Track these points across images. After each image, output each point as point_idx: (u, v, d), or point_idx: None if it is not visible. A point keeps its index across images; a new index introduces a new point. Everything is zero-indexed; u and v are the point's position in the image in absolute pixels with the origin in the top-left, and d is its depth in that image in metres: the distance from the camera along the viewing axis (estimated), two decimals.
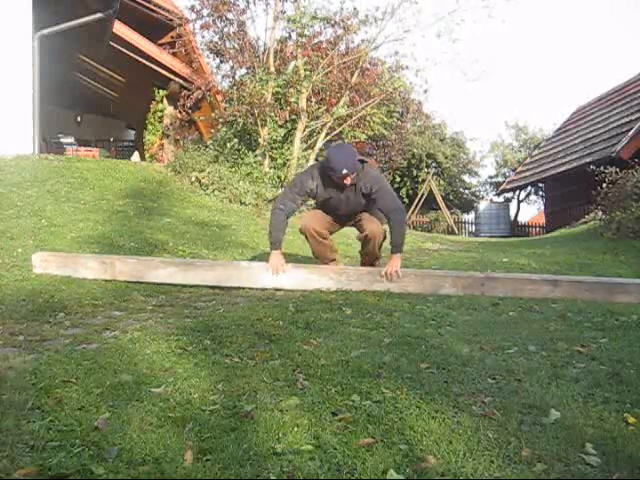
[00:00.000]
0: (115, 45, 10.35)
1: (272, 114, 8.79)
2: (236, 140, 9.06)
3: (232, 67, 9.62)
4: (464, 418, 1.67)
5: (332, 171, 3.60)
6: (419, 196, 17.76)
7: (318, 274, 3.76)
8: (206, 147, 9.80)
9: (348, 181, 3.62)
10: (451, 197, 21.40)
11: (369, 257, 4.04)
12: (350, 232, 7.23)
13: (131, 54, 10.45)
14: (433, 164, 20.54)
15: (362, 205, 3.83)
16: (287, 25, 9.08)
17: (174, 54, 10.44)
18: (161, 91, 11.32)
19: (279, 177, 8.73)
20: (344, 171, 3.54)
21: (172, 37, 10.31)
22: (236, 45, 9.28)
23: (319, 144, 9.18)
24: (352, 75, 9.37)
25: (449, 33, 8.88)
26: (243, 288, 3.77)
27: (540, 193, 21.09)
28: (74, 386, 1.83)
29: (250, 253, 5.37)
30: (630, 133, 11.48)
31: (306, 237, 3.98)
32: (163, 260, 4.09)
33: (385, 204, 3.69)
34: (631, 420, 1.66)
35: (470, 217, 20.97)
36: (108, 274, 3.82)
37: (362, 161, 3.76)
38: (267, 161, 8.89)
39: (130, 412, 1.66)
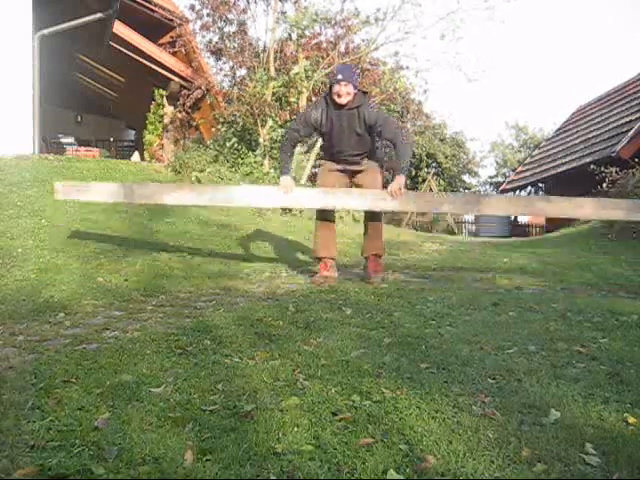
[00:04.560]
0: (115, 45, 10.35)
1: (272, 114, 8.79)
2: (235, 139, 9.06)
3: (232, 67, 9.64)
4: (464, 418, 1.67)
5: (332, 79, 3.93)
6: None
7: (324, 193, 3.97)
8: (206, 147, 9.80)
9: (342, 93, 3.80)
10: None
11: (372, 244, 4.12)
12: (350, 231, 7.23)
13: (131, 54, 10.45)
14: (433, 164, 20.57)
15: (364, 138, 3.98)
16: (288, 27, 9.09)
17: (174, 54, 10.44)
18: (161, 91, 11.32)
19: (279, 177, 8.72)
20: (339, 76, 3.82)
21: (172, 37, 10.32)
22: (236, 45, 9.28)
23: (319, 144, 9.18)
24: None
25: (452, 32, 8.90)
26: (261, 210, 4.02)
27: (540, 193, 21.10)
28: (74, 386, 1.83)
29: (250, 253, 5.37)
30: (630, 133, 11.47)
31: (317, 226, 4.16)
32: (179, 184, 4.41)
33: (391, 135, 3.90)
34: (631, 420, 1.66)
35: (470, 217, 20.98)
36: (127, 198, 4.09)
37: (364, 92, 4.10)
38: (267, 161, 8.89)
39: (130, 412, 1.66)
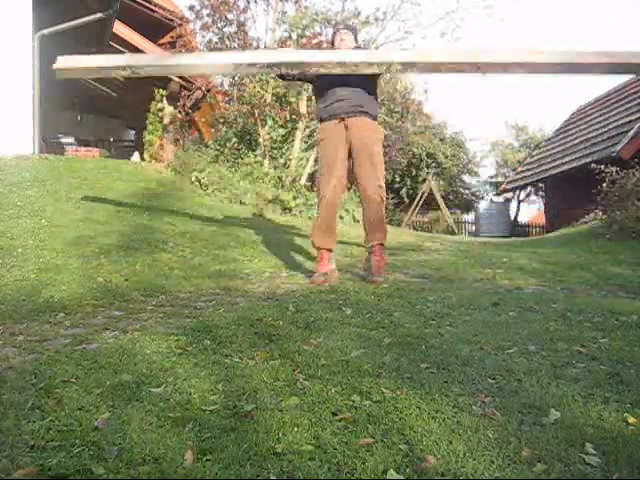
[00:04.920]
0: (115, 45, 10.34)
1: (272, 114, 8.79)
2: (235, 139, 9.07)
3: None
4: (464, 418, 1.67)
5: (335, 29, 4.33)
6: (419, 196, 17.77)
7: (322, 51, 4.49)
8: (206, 147, 9.81)
9: (344, 39, 4.14)
10: (451, 197, 21.45)
11: (376, 233, 3.99)
12: (350, 231, 7.23)
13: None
14: (433, 164, 20.57)
15: (365, 78, 3.96)
16: (288, 27, 9.11)
17: None
18: (161, 91, 11.31)
19: (279, 177, 8.73)
20: (340, 25, 4.45)
21: (172, 37, 10.32)
22: (236, 45, 9.30)
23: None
24: None
25: (452, 32, 8.93)
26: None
27: (540, 193, 21.11)
28: (74, 386, 1.83)
29: (250, 252, 5.37)
30: (630, 133, 11.46)
31: (319, 210, 4.08)
32: (180, 53, 4.67)
33: None
34: (631, 420, 1.66)
35: (470, 217, 21.00)
36: (127, 72, 4.38)
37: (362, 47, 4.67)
38: (267, 161, 8.90)
39: (130, 412, 1.66)
